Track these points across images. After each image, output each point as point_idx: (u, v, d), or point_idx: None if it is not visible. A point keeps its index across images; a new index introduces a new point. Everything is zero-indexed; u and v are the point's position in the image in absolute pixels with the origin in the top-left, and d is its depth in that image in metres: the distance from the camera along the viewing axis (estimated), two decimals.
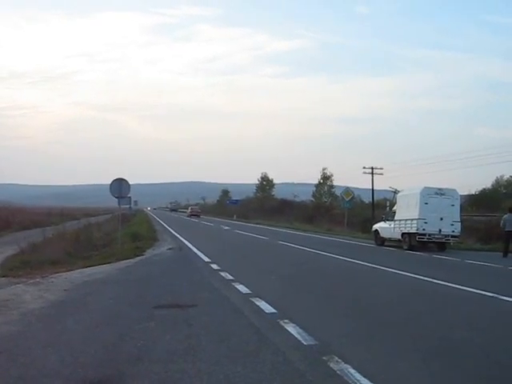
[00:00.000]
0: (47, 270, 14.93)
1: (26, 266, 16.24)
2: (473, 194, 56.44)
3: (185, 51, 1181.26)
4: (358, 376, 5.45)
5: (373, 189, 56.18)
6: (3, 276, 14.78)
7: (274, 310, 8.92)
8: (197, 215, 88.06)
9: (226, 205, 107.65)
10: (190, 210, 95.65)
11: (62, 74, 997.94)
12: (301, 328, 7.50)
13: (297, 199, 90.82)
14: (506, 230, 24.02)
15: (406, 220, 26.24)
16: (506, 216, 24.64)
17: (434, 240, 25.68)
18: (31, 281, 12.73)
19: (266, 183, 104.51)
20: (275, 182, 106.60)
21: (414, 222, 25.46)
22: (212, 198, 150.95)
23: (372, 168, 55.10)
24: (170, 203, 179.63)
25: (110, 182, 22.70)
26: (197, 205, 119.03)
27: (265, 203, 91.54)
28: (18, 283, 12.45)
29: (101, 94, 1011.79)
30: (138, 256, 19.04)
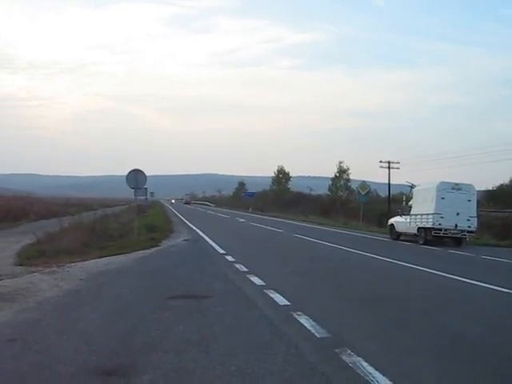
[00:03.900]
0: (63, 259, 15.06)
1: (42, 255, 16.40)
2: (490, 190, 55.96)
3: (202, 43, 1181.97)
4: (370, 369, 5.45)
5: (389, 183, 55.86)
6: (20, 265, 14.95)
7: (287, 303, 8.94)
8: (189, 203, 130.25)
9: (241, 197, 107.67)
10: (184, 200, 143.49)
11: (80, 65, 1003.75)
12: (314, 321, 7.50)
13: (313, 192, 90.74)
14: None
15: (422, 215, 26.09)
16: None
17: (449, 235, 25.51)
18: (47, 270, 12.84)
19: (282, 176, 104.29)
20: (291, 174, 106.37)
21: (430, 216, 25.32)
22: (228, 191, 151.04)
23: (389, 162, 54.79)
24: (186, 195, 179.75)
25: (126, 173, 22.79)
26: (189, 195, 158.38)
27: (281, 196, 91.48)
28: (35, 272, 12.57)
29: (118, 85, 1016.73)
30: (153, 247, 19.10)
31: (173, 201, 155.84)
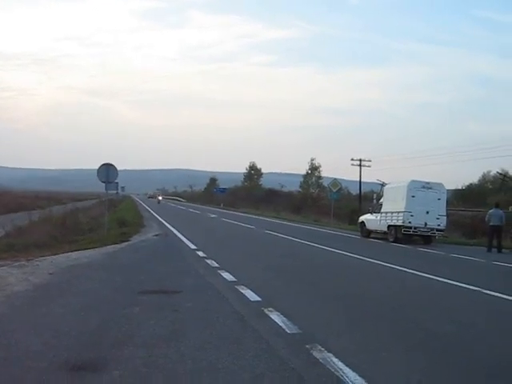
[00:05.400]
0: (32, 253, 14.85)
1: (11, 248, 16.13)
2: (460, 189, 56.85)
3: (176, 37, 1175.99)
4: (340, 365, 5.49)
5: (360, 181, 56.40)
6: None
7: (258, 298, 8.96)
8: (154, 197, 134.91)
9: (213, 193, 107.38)
10: (153, 194, 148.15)
11: (52, 57, 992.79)
12: (285, 316, 7.53)
13: (284, 189, 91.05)
14: (491, 224, 24.21)
15: (393, 212, 26.35)
16: (491, 211, 24.87)
17: (419, 233, 25.81)
18: (16, 263, 12.66)
19: (254, 172, 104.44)
20: (263, 171, 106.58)
21: (401, 214, 25.57)
22: (199, 186, 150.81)
23: (360, 160, 55.34)
24: (157, 190, 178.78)
25: (97, 167, 22.59)
26: (159, 191, 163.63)
27: (252, 192, 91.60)
28: (3, 266, 12.36)
29: (90, 78, 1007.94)
30: (124, 241, 18.98)
31: (160, 197, 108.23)
